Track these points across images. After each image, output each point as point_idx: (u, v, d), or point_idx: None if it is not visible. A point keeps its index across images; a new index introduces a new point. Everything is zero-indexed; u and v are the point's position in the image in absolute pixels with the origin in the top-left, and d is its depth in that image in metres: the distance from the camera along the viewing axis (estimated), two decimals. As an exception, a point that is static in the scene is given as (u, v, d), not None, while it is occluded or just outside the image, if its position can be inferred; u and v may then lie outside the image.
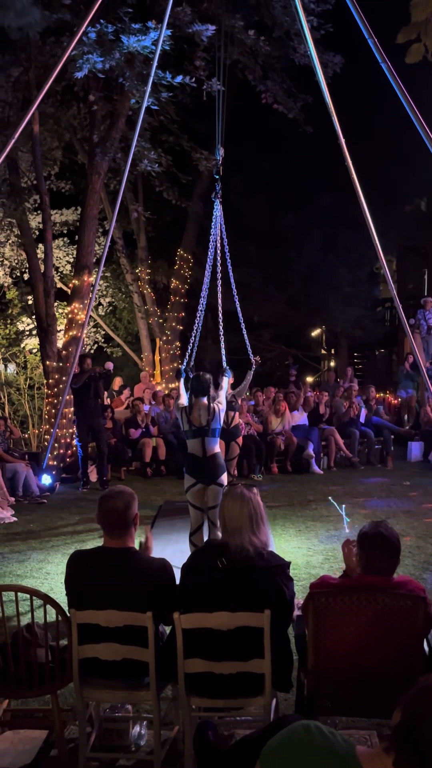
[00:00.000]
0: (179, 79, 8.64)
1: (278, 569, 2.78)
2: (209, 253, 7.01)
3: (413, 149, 9.07)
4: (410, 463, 11.00)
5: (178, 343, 15.39)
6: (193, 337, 7.04)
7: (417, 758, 1.31)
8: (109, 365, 11.17)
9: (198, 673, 2.69)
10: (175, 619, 2.65)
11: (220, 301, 7.04)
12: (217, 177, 7.43)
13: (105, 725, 3.14)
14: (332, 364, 23.60)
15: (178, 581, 2.90)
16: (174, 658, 2.69)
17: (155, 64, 7.40)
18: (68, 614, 2.78)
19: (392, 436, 11.15)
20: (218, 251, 7.15)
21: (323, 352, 25.47)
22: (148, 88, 7.59)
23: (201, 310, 7.17)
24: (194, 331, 7.04)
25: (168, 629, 2.93)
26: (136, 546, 2.97)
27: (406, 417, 12.61)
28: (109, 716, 3.18)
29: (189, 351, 7.00)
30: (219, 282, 7.24)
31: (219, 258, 7.23)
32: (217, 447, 5.44)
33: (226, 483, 5.32)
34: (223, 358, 7.04)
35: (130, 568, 2.81)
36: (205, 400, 5.39)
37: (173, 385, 14.11)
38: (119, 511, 2.83)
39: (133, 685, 2.81)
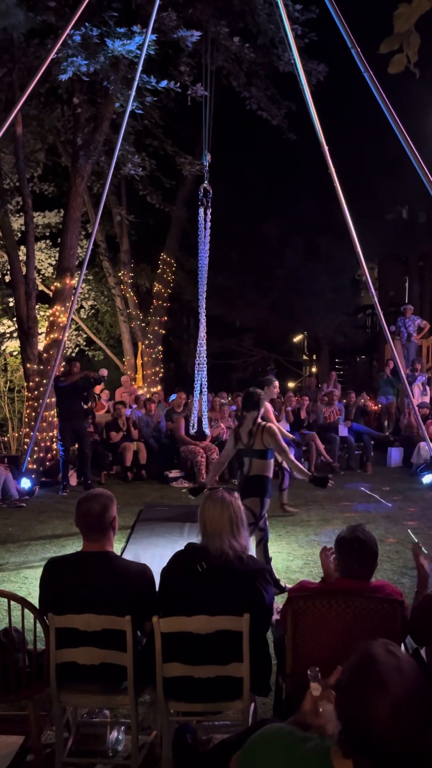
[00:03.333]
0: (164, 83, 8.66)
1: (258, 573, 2.79)
2: (200, 259, 6.94)
3: (395, 158, 9.18)
4: (390, 468, 11.09)
5: (160, 347, 15.38)
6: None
7: (373, 759, 1.30)
8: (104, 372, 11.11)
9: (176, 677, 2.68)
10: (154, 623, 2.64)
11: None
12: (205, 184, 7.35)
13: (82, 730, 3.12)
14: (314, 369, 23.75)
15: (158, 585, 2.90)
16: (152, 662, 2.68)
17: (140, 68, 7.42)
18: (45, 619, 2.77)
19: (372, 442, 11.23)
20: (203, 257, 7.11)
21: (305, 357, 25.60)
22: (133, 92, 7.61)
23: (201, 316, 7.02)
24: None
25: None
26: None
27: (386, 423, 12.71)
28: (87, 721, 3.15)
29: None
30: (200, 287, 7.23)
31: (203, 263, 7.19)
32: (262, 468, 5.06)
33: (253, 507, 4.95)
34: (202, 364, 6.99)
35: (108, 572, 2.80)
36: (252, 415, 5.09)
37: (155, 389, 14.09)
38: (96, 513, 2.83)
39: (111, 690, 2.80)
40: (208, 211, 6.73)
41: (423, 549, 3.06)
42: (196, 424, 8.37)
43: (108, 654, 2.71)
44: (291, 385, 20.72)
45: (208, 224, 6.77)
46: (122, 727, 3.17)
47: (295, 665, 2.72)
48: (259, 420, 5.11)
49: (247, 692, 2.68)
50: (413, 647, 2.87)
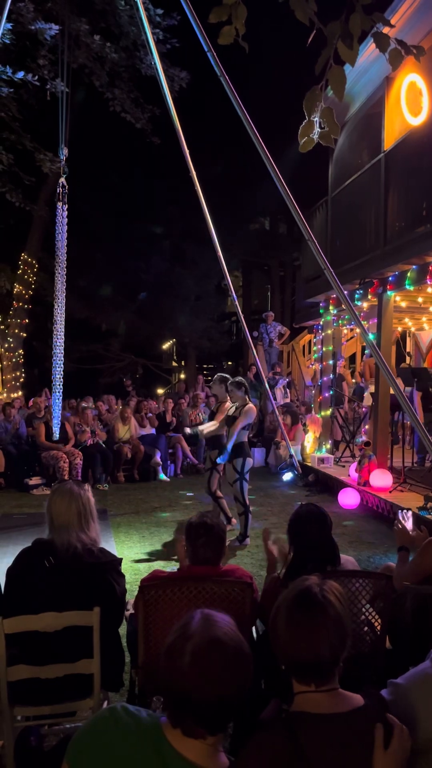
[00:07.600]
0: (20, 75, 8.35)
1: (108, 565, 2.73)
2: (58, 257, 6.76)
3: (258, 169, 9.49)
4: (253, 468, 11.38)
5: (21, 351, 14.77)
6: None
7: (197, 723, 1.34)
8: None
9: (22, 680, 2.55)
10: (-3, 625, 2.49)
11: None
12: (63, 179, 7.15)
13: None
14: (182, 375, 23.98)
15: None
16: (-3, 667, 2.52)
17: (-7, 55, 7.10)
18: None
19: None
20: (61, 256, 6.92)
21: (174, 364, 25.80)
22: (-13, 81, 7.26)
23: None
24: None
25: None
26: None
27: (249, 424, 13.07)
28: None
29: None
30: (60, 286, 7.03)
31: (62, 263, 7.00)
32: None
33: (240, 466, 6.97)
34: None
35: None
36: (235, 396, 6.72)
37: (15, 395, 13.51)
38: None
39: None
40: (65, 207, 6.58)
41: (272, 534, 3.15)
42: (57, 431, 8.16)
43: None
44: (160, 391, 20.76)
45: (65, 220, 6.60)
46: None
47: (147, 657, 2.69)
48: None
49: (97, 689, 2.60)
50: (263, 629, 2.93)
